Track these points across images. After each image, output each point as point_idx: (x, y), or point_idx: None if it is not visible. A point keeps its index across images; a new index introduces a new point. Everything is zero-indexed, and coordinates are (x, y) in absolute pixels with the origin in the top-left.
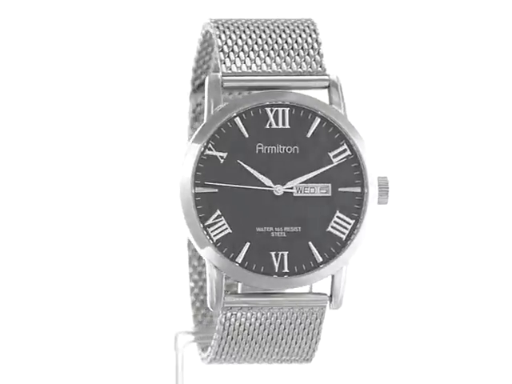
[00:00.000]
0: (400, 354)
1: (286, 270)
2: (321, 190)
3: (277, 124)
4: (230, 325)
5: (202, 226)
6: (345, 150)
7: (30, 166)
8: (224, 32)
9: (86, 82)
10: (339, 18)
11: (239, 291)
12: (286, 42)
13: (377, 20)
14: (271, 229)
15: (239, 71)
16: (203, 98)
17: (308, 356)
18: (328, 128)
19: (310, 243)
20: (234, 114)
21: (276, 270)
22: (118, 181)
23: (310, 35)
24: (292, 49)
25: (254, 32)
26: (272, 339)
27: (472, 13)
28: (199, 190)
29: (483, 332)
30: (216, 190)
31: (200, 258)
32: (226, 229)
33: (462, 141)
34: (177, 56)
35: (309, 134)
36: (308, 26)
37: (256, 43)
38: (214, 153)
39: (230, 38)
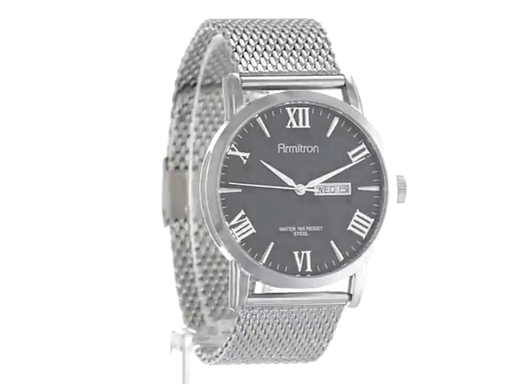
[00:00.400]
0: (407, 355)
1: (308, 269)
2: (340, 190)
3: (297, 124)
4: (249, 325)
5: (228, 226)
6: (363, 149)
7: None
8: (235, 32)
9: (66, 80)
10: (332, 18)
11: (258, 291)
12: (297, 42)
13: (372, 19)
14: (294, 228)
15: (256, 71)
16: (190, 98)
17: (316, 354)
18: (347, 127)
19: (331, 242)
20: (256, 115)
21: (299, 270)
22: (98, 181)
23: (319, 35)
24: (304, 49)
25: (264, 32)
26: (287, 338)
27: (482, 11)
28: (223, 190)
29: (503, 334)
30: (240, 190)
31: (185, 259)
32: (250, 229)
33: (468, 136)
34: (154, 57)
35: (328, 134)
36: (314, 26)
37: (268, 43)
38: (237, 153)
39: (242, 38)
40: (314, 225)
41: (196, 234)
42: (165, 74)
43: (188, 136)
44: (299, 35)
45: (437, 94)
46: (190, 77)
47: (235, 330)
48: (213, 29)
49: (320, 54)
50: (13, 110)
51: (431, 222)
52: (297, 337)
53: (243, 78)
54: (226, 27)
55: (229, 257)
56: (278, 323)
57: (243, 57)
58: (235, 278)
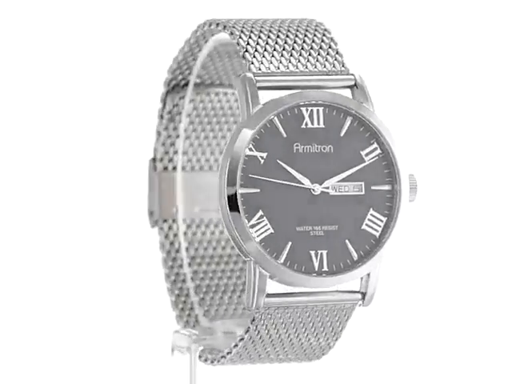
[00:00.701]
0: (410, 354)
1: (325, 268)
2: (354, 189)
3: (312, 123)
4: (263, 325)
5: (248, 225)
6: (376, 149)
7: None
8: (243, 32)
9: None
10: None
11: (271, 291)
12: (304, 42)
13: (368, 18)
14: (310, 228)
15: (268, 71)
16: (180, 98)
17: (321, 353)
18: (359, 127)
19: (346, 241)
20: (273, 115)
21: (316, 269)
22: (83, 182)
23: (324, 35)
24: (312, 49)
25: (271, 32)
26: (297, 338)
27: (485, 11)
28: (242, 190)
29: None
30: (258, 190)
31: (175, 259)
32: (269, 229)
33: (469, 135)
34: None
35: (342, 133)
36: (318, 26)
37: (276, 43)
38: (255, 153)
39: (251, 38)
40: (329, 224)
41: (185, 234)
42: (150, 74)
43: (177, 136)
44: (305, 35)
45: (438, 94)
46: (180, 77)
47: (248, 331)
48: (218, 28)
49: (328, 54)
50: None
51: (434, 221)
52: (307, 336)
53: (257, 77)
54: (233, 27)
55: (248, 256)
56: (292, 323)
57: (254, 57)
58: (253, 278)
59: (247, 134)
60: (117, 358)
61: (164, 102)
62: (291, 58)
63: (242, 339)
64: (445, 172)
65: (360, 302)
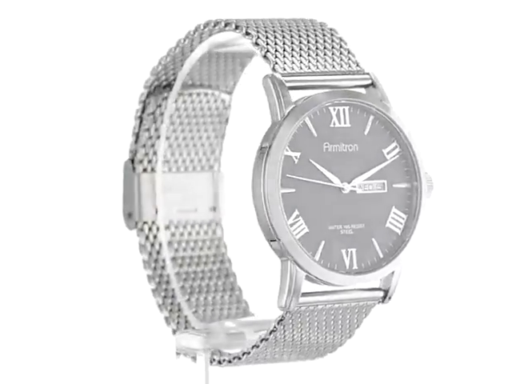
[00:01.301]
0: (412, 352)
1: (355, 267)
2: (377, 187)
3: (339, 123)
4: (291, 325)
5: (288, 225)
6: (396, 147)
7: None
8: (259, 32)
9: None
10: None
11: (303, 290)
12: (317, 42)
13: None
14: (340, 226)
15: (293, 71)
16: (163, 99)
17: (330, 351)
18: (381, 125)
19: (373, 240)
20: (306, 114)
21: (347, 268)
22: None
23: (332, 35)
24: (325, 48)
25: (283, 32)
26: (317, 336)
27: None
28: (282, 190)
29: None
30: (293, 190)
31: (157, 261)
32: (304, 228)
33: (473, 137)
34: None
35: (366, 132)
36: (322, 26)
37: (292, 43)
38: (290, 153)
39: (268, 38)
40: (357, 223)
41: (165, 235)
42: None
43: (158, 137)
44: (316, 35)
45: (440, 93)
46: (163, 78)
47: (273, 331)
48: (225, 28)
49: (341, 54)
50: None
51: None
52: (325, 335)
53: (285, 78)
54: (248, 27)
55: (285, 256)
56: (316, 322)
57: (277, 57)
58: (290, 279)
59: (284, 134)
60: (103, 362)
61: (145, 103)
62: (310, 58)
63: (264, 340)
64: (445, 171)
65: (380, 300)
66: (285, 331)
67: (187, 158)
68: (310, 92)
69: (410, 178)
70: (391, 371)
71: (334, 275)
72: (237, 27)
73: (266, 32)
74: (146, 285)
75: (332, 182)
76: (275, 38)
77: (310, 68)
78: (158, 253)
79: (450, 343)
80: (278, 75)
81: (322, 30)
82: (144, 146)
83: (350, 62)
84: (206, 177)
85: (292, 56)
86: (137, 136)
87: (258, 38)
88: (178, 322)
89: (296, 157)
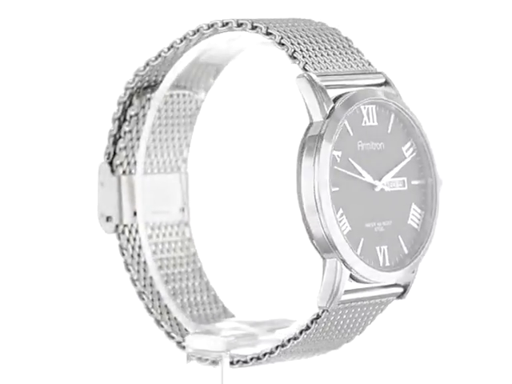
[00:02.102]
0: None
1: (387, 263)
2: (399, 185)
3: (369, 121)
4: (326, 323)
5: (337, 222)
6: (412, 144)
7: None
8: (280, 32)
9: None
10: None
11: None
12: (330, 42)
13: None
14: (374, 224)
15: (323, 72)
16: (147, 100)
17: (337, 346)
18: (400, 123)
19: (399, 236)
20: (345, 114)
21: (381, 264)
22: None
23: (338, 34)
24: (338, 48)
25: (297, 32)
26: (338, 333)
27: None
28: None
29: None
30: (338, 189)
31: (139, 263)
32: (347, 227)
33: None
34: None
35: (389, 130)
36: (322, 26)
37: (311, 43)
38: (334, 152)
39: (290, 38)
40: (387, 220)
41: (147, 237)
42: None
43: (138, 139)
44: (325, 35)
45: (438, 93)
46: (147, 79)
47: (306, 330)
48: (237, 28)
49: (353, 53)
50: None
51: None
52: (345, 332)
53: (320, 78)
54: (267, 27)
55: (333, 253)
56: (346, 319)
57: (304, 57)
58: (335, 277)
59: (331, 134)
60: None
61: (125, 104)
62: (331, 58)
63: (293, 339)
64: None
65: (399, 296)
66: (317, 329)
67: (160, 160)
68: (339, 92)
69: (425, 175)
70: (391, 371)
71: (375, 272)
72: (254, 27)
73: (284, 32)
74: (128, 288)
75: (367, 181)
76: (294, 37)
77: (334, 68)
78: (139, 255)
79: (450, 343)
80: (313, 75)
81: (327, 30)
82: (125, 147)
83: (362, 61)
84: (174, 178)
85: (316, 56)
86: (115, 138)
87: (282, 38)
88: (171, 325)
89: (338, 156)
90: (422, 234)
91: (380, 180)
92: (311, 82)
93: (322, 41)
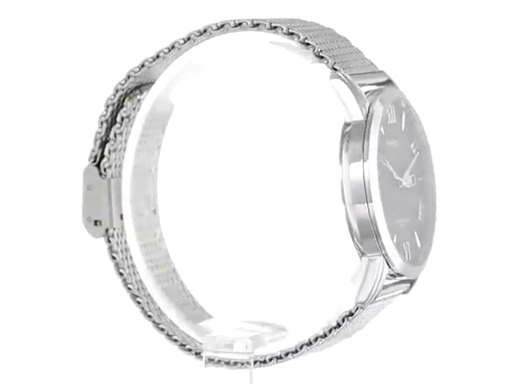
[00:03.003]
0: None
1: (409, 258)
2: (410, 181)
3: (392, 119)
4: (359, 318)
5: (385, 221)
6: (416, 142)
7: None
8: (299, 31)
9: None
10: None
11: None
12: (334, 42)
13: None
14: (401, 220)
15: (347, 71)
16: (139, 101)
17: (349, 336)
18: (408, 121)
19: (414, 232)
20: (381, 112)
21: (407, 260)
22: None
23: (339, 35)
24: (345, 47)
25: (306, 33)
26: (359, 325)
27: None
28: None
29: None
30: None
31: (129, 267)
32: (385, 224)
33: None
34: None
35: (402, 128)
36: (318, 26)
37: (331, 42)
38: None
39: (310, 38)
40: (407, 216)
41: (136, 239)
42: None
43: (126, 141)
44: (338, 38)
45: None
46: (138, 80)
47: (338, 326)
48: (253, 28)
49: (356, 53)
50: None
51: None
52: (363, 325)
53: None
54: (288, 27)
55: (379, 251)
56: (370, 314)
57: (330, 56)
58: (379, 275)
59: (375, 133)
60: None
61: (114, 106)
62: (347, 58)
63: (322, 337)
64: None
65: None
66: (347, 326)
67: (138, 163)
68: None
69: (425, 171)
70: (391, 370)
71: (408, 267)
72: (274, 27)
73: (301, 32)
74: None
75: (396, 178)
76: (317, 37)
77: (353, 68)
78: (130, 257)
79: (449, 343)
80: (347, 75)
81: (322, 29)
82: (115, 150)
83: (365, 60)
84: (146, 180)
85: (338, 56)
86: (102, 140)
87: (306, 38)
88: (169, 328)
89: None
90: (429, 229)
91: (402, 176)
92: (347, 81)
93: (337, 41)
